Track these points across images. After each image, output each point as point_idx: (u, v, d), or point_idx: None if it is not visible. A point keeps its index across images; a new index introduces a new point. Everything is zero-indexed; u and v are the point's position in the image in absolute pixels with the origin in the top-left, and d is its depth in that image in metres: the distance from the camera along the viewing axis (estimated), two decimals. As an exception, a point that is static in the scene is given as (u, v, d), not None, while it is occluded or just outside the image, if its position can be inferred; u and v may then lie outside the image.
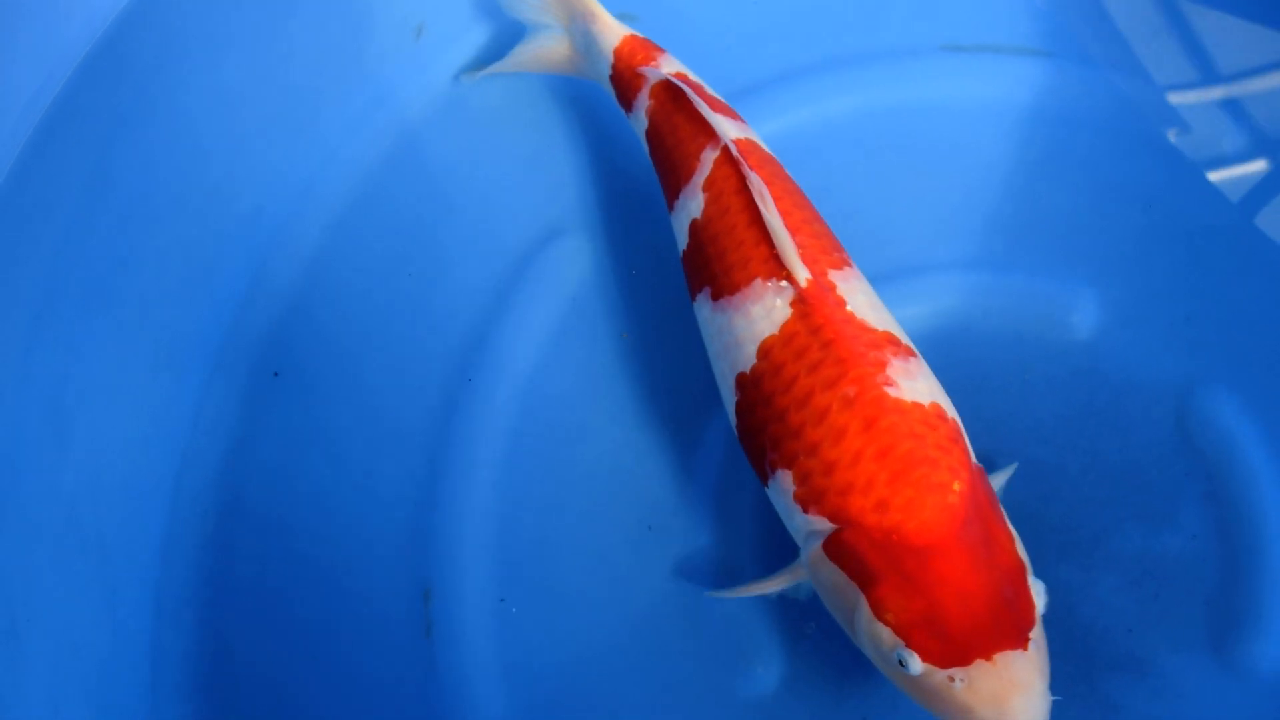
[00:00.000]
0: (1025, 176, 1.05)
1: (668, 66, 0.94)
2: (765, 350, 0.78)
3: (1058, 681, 0.87)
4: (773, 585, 0.82)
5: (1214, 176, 1.04)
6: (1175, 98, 1.07)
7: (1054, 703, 0.68)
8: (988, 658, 0.66)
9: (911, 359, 0.77)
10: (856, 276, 0.82)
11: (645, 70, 0.94)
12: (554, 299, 1.04)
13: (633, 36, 0.96)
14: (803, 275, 0.78)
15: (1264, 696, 0.87)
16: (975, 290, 1.02)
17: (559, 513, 0.96)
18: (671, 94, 0.91)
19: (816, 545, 0.74)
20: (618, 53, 0.96)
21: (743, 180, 0.83)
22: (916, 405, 0.74)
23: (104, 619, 0.85)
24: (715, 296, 0.83)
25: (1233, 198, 1.04)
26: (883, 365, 0.75)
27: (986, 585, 0.68)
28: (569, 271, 1.05)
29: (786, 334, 0.77)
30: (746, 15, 1.12)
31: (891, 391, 0.73)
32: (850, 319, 0.77)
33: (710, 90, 0.94)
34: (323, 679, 0.90)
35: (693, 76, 0.94)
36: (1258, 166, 1.04)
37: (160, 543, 0.91)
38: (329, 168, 1.06)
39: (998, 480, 0.87)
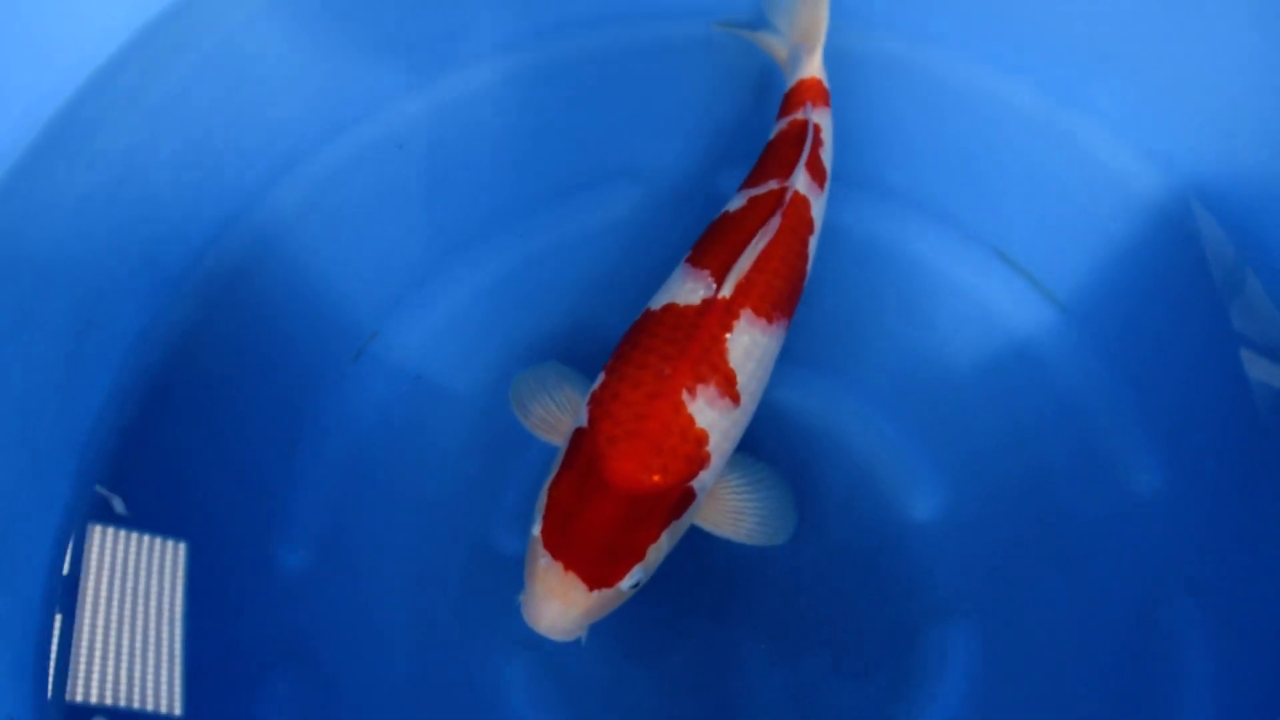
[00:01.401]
0: (964, 378, 1.19)
1: (815, 116, 1.11)
2: (668, 306, 0.99)
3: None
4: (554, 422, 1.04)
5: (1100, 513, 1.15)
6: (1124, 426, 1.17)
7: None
8: (565, 567, 0.88)
9: (724, 400, 0.95)
10: (763, 330, 0.98)
11: (799, 107, 1.13)
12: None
13: (818, 81, 1.15)
14: (725, 291, 0.97)
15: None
16: (838, 419, 1.18)
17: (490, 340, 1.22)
18: (798, 132, 1.10)
19: (574, 426, 0.97)
20: (800, 82, 1.15)
21: (770, 215, 1.02)
22: (690, 419, 0.93)
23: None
24: (688, 260, 1.04)
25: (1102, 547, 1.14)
26: (700, 380, 0.94)
27: (606, 537, 0.89)
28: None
29: (683, 309, 0.98)
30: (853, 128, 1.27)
31: (685, 398, 0.93)
32: (718, 341, 0.96)
33: (826, 153, 1.11)
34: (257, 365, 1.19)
35: (826, 134, 1.11)
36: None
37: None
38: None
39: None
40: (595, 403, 0.96)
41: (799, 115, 1.12)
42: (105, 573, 1.09)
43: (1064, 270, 1.22)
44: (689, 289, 1.00)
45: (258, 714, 1.06)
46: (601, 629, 1.08)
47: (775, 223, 1.01)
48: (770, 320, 1.00)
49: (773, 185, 1.06)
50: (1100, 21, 1.23)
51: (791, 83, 1.16)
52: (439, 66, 1.29)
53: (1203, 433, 1.16)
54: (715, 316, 0.97)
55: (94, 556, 1.09)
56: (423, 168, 1.27)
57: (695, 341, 0.95)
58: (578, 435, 0.96)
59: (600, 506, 0.90)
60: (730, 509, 1.02)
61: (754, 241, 0.99)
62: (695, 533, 1.04)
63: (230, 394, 1.18)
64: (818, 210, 1.08)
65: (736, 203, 1.08)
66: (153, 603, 1.08)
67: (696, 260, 1.03)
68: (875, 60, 1.30)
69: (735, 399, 0.97)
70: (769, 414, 1.17)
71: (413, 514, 1.14)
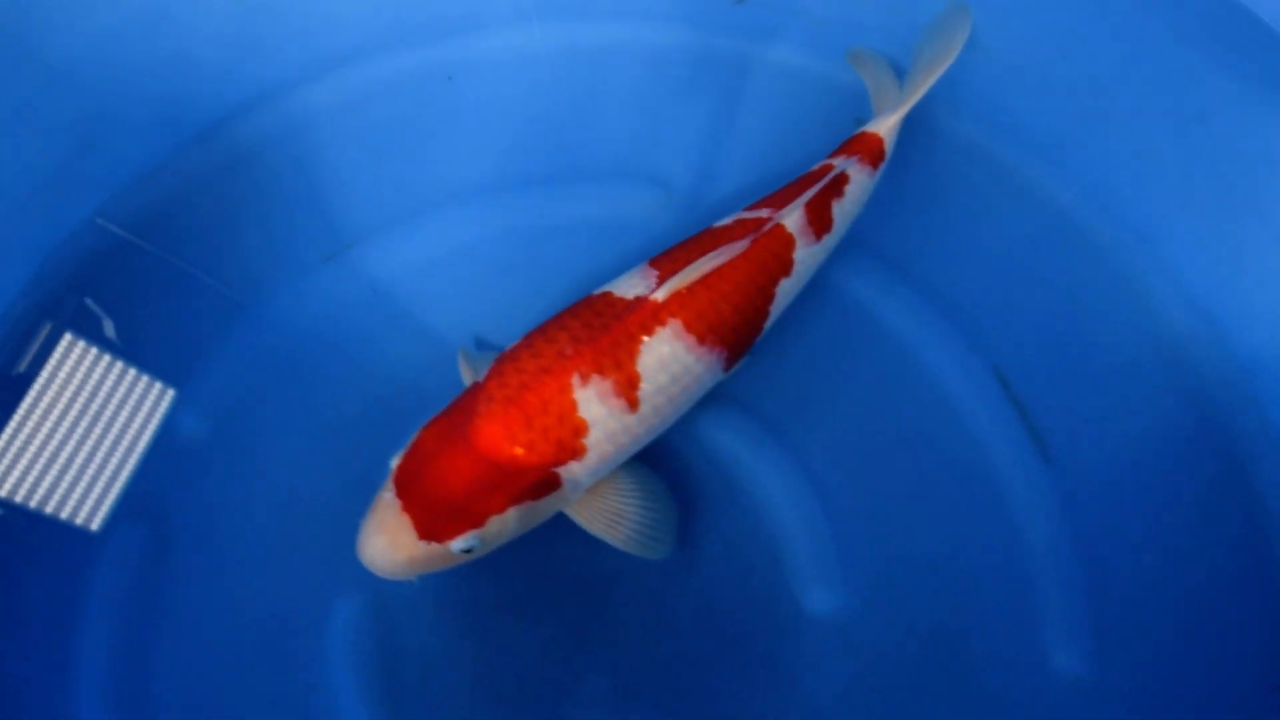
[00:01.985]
0: (913, 488, 1.10)
1: (850, 167, 1.06)
2: (606, 294, 0.95)
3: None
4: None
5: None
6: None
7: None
8: (403, 507, 0.86)
9: (619, 400, 0.90)
10: (689, 348, 0.93)
11: (843, 154, 1.08)
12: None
13: (880, 140, 1.09)
14: (660, 294, 0.92)
15: None
16: (769, 483, 1.10)
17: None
18: (822, 174, 1.04)
19: (476, 377, 0.95)
20: (863, 133, 1.10)
21: (741, 237, 0.97)
22: (573, 404, 0.89)
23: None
24: (651, 258, 0.99)
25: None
26: (599, 370, 0.89)
27: (450, 492, 0.86)
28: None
29: (615, 299, 0.94)
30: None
31: (575, 382, 0.89)
32: (633, 340, 0.91)
33: (841, 208, 1.04)
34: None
35: (852, 189, 1.05)
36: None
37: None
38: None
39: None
40: (498, 361, 0.93)
41: (837, 160, 1.07)
42: (59, 382, 1.11)
43: (1064, 419, 1.11)
44: (631, 283, 0.96)
45: (96, 559, 1.05)
46: (449, 598, 1.04)
47: (740, 246, 0.96)
48: (702, 341, 0.94)
49: (764, 213, 1.01)
50: (1189, 170, 1.13)
51: (858, 128, 1.11)
52: (512, 16, 1.27)
53: (1146, 637, 1.03)
54: (639, 315, 0.92)
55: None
56: (462, 109, 1.26)
57: (609, 333, 0.91)
58: (472, 387, 0.93)
59: (455, 461, 0.87)
60: (611, 510, 0.97)
61: (710, 255, 0.94)
62: (584, 545, 0.98)
63: (201, 255, 1.18)
64: (804, 257, 1.02)
65: (726, 219, 1.03)
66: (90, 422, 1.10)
67: (656, 259, 0.99)
68: (951, 141, 1.24)
69: (633, 404, 0.91)
70: (699, 453, 1.11)
71: (319, 425, 1.12)
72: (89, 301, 1.15)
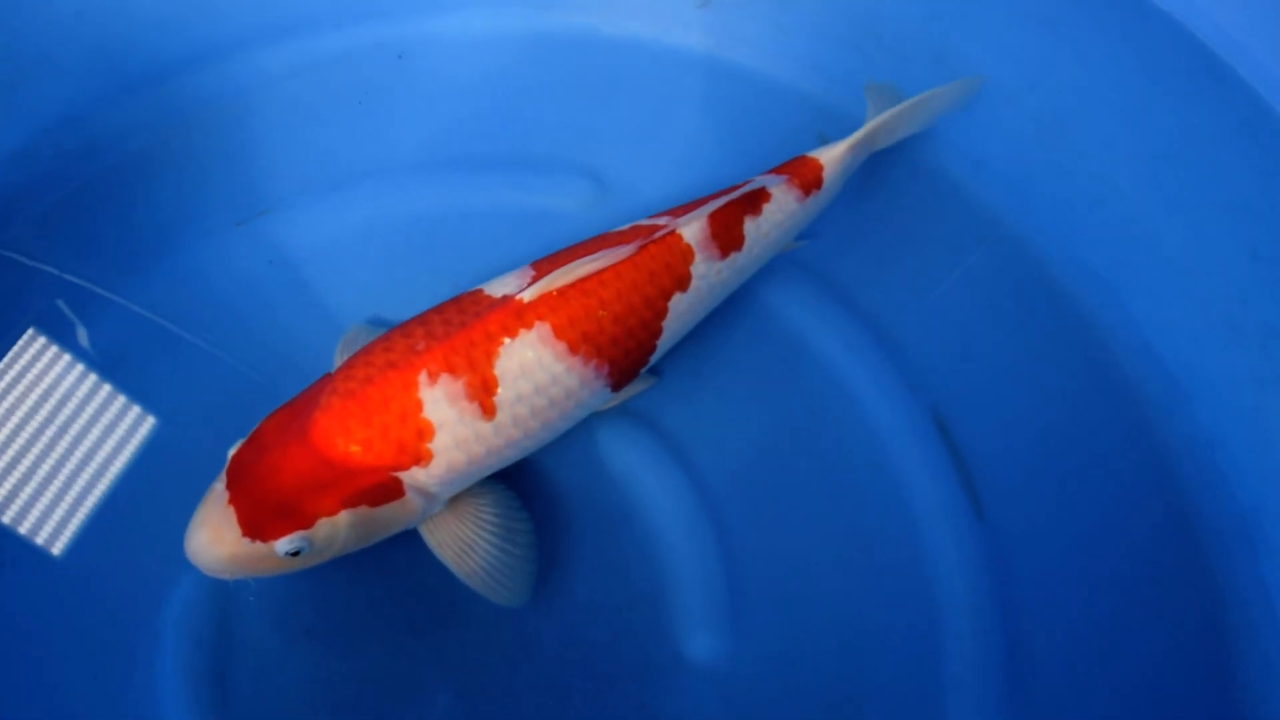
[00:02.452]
0: (825, 531, 0.99)
1: (772, 185, 0.98)
2: (477, 291, 0.88)
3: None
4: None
5: None
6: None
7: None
8: (230, 500, 0.79)
9: (471, 404, 0.82)
10: (557, 356, 0.85)
11: (774, 171, 1.01)
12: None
13: (818, 166, 1.01)
14: (527, 295, 0.84)
15: None
16: (662, 509, 1.00)
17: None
18: (738, 188, 0.96)
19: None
20: (803, 156, 1.02)
21: (629, 241, 0.90)
22: (418, 404, 0.81)
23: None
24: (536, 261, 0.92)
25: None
26: (450, 370, 0.82)
27: (279, 487, 0.78)
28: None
29: (484, 297, 0.87)
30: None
31: (422, 379, 0.81)
32: (491, 340, 0.83)
33: (757, 226, 0.97)
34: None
35: (773, 210, 0.97)
36: None
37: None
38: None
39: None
40: (353, 355, 0.86)
41: (763, 177, 0.99)
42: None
43: (1003, 473, 1.00)
44: (505, 281, 0.88)
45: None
46: (296, 592, 0.97)
47: (624, 251, 0.87)
48: (574, 350, 0.85)
49: (664, 219, 0.93)
50: (1155, 215, 1.01)
51: (814, 150, 1.03)
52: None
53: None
54: (500, 315, 0.84)
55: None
56: (406, 86, 1.21)
57: (466, 331, 0.83)
58: (322, 378, 0.85)
59: (288, 454, 0.79)
60: (463, 538, 0.88)
61: (589, 258, 0.86)
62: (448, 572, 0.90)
63: (117, 204, 1.13)
64: (705, 273, 0.93)
65: (624, 225, 0.95)
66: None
67: (540, 260, 0.91)
68: (917, 171, 1.15)
69: (489, 411, 0.83)
70: (590, 466, 1.02)
71: (193, 387, 1.05)
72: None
